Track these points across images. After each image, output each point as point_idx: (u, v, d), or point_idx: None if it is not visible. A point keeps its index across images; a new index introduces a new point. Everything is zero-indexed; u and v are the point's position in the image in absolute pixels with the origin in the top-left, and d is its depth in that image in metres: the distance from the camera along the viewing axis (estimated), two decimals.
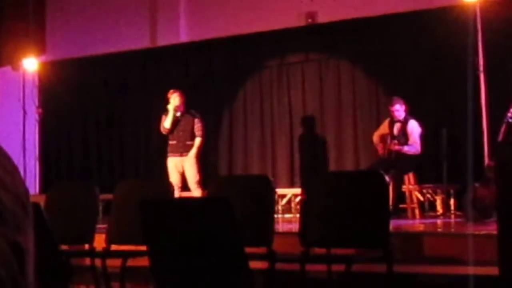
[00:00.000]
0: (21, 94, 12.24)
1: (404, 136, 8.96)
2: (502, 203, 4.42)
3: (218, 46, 11.77)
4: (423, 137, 9.07)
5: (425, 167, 9.41)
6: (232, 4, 11.77)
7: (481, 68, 8.85)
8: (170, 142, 9.44)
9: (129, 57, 12.35)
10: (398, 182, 8.71)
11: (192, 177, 9.21)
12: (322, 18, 11.12)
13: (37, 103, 12.61)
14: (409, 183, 9.07)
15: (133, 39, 12.27)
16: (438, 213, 9.14)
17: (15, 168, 0.83)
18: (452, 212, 9.06)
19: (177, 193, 9.03)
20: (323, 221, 5.12)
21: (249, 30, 11.30)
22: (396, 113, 9.05)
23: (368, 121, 10.59)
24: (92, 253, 5.89)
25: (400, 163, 8.84)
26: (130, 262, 5.68)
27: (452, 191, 9.21)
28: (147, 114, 12.20)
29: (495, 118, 8.33)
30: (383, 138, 9.23)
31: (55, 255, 5.02)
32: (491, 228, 5.76)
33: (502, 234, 4.28)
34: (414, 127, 8.98)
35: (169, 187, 6.34)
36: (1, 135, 11.84)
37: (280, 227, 7.91)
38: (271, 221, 5.26)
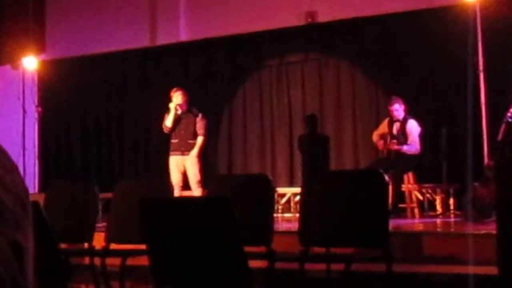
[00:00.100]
0: (21, 93, 12.23)
1: (403, 136, 8.96)
2: (502, 202, 4.42)
3: (217, 45, 11.77)
4: (423, 137, 9.07)
5: (424, 167, 9.41)
6: (232, 4, 11.77)
7: (481, 68, 8.85)
8: (172, 141, 9.39)
9: (129, 56, 12.36)
10: (398, 182, 8.72)
11: (193, 176, 9.17)
12: (322, 18, 11.12)
13: (36, 102, 12.61)
14: (409, 183, 9.07)
15: (132, 38, 12.27)
16: (438, 213, 9.15)
17: (14, 167, 0.83)
18: (452, 211, 9.06)
19: (177, 192, 9.01)
20: (323, 221, 5.12)
21: (249, 29, 11.31)
22: (395, 113, 9.05)
23: (368, 121, 10.60)
24: (91, 252, 5.88)
25: (399, 163, 8.84)
26: (130, 261, 5.68)
27: (451, 191, 9.21)
28: (146, 113, 12.21)
29: (495, 118, 8.33)
30: (382, 137, 9.24)
31: (55, 254, 5.02)
32: (491, 228, 5.77)
33: (502, 234, 4.28)
34: (413, 127, 8.98)
35: (168, 186, 6.34)
36: (1, 133, 11.83)
37: (280, 226, 7.91)
38: (271, 220, 5.25)
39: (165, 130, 9.40)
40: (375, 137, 9.41)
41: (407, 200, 9.11)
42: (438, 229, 7.94)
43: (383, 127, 9.27)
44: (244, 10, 11.58)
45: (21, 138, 12.01)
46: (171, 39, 12.15)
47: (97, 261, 5.77)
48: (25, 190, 0.83)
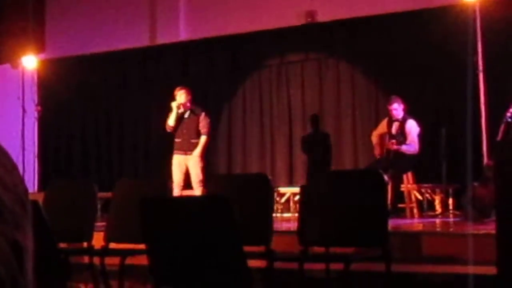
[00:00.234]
0: (20, 92, 12.23)
1: (402, 135, 8.96)
2: (501, 202, 4.42)
3: (217, 45, 11.78)
4: (422, 137, 9.07)
5: (424, 167, 9.41)
6: (232, 3, 11.77)
7: (481, 68, 8.86)
8: (176, 140, 9.35)
9: (129, 56, 12.36)
10: (397, 182, 8.72)
11: (195, 176, 9.14)
12: (321, 17, 11.13)
13: (36, 101, 12.61)
14: (408, 183, 9.07)
15: (132, 37, 12.28)
16: (437, 213, 9.15)
17: (14, 166, 0.83)
18: (451, 211, 9.06)
19: (178, 192, 9.00)
20: (322, 220, 5.12)
21: (249, 29, 11.31)
22: (394, 112, 9.05)
23: (367, 120, 10.60)
24: (90, 251, 5.88)
25: (398, 163, 8.83)
26: (129, 261, 5.68)
27: (451, 191, 9.21)
28: (146, 112, 12.22)
29: (494, 118, 8.33)
30: (381, 137, 9.24)
31: (54, 253, 5.02)
32: (490, 228, 5.77)
33: (501, 234, 4.28)
34: (412, 127, 8.98)
35: (168, 185, 6.33)
36: (0, 132, 11.84)
37: (279, 226, 7.91)
38: (270, 220, 5.25)
39: (168, 129, 9.37)
40: (374, 137, 9.41)
41: (407, 200, 9.10)
42: (437, 229, 7.94)
43: (382, 127, 9.28)
44: (244, 10, 11.59)
45: (20, 137, 12.01)
46: (171, 38, 12.15)
47: (96, 260, 5.76)
48: (25, 189, 0.83)
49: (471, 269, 5.17)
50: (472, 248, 5.45)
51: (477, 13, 8.95)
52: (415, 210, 9.03)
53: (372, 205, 4.98)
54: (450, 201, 9.18)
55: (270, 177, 5.65)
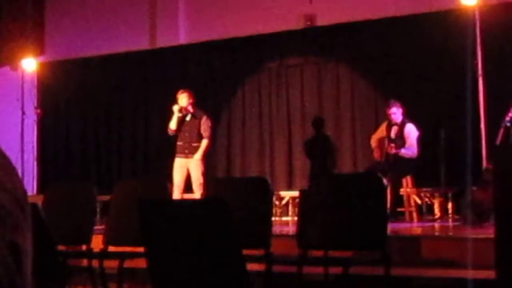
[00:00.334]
0: (20, 94, 12.23)
1: (401, 139, 8.96)
2: (500, 206, 4.42)
3: (217, 48, 11.78)
4: (421, 140, 9.07)
5: (423, 170, 9.40)
6: (231, 6, 11.78)
7: (480, 72, 8.86)
8: (178, 143, 9.35)
9: (128, 58, 12.36)
10: (396, 185, 8.72)
11: (196, 179, 9.12)
12: (321, 21, 11.13)
13: (35, 103, 12.61)
14: (407, 186, 9.07)
15: (132, 40, 12.28)
16: (436, 217, 9.15)
17: (13, 168, 0.83)
18: (450, 215, 9.06)
19: (178, 195, 8.99)
20: (321, 224, 5.12)
21: (248, 32, 11.32)
22: (393, 116, 9.07)
23: (366, 124, 10.60)
24: (89, 254, 5.88)
25: (398, 166, 8.84)
26: (128, 264, 5.68)
27: (450, 195, 9.21)
28: (145, 115, 12.21)
29: (494, 122, 8.34)
30: (380, 141, 9.24)
31: (53, 256, 5.02)
32: (489, 232, 5.76)
33: (500, 237, 4.28)
34: (411, 130, 8.99)
35: (167, 188, 6.32)
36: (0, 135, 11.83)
37: (278, 229, 7.91)
38: (269, 223, 5.25)
39: (170, 133, 9.36)
40: (373, 140, 9.42)
41: (406, 203, 9.10)
42: (436, 233, 7.95)
43: (381, 131, 9.29)
44: (244, 13, 11.59)
45: (20, 140, 12.01)
46: (170, 41, 12.15)
47: (95, 263, 5.76)
48: (24, 191, 0.83)
49: (470, 273, 5.17)
50: (471, 252, 5.45)
51: (477, 17, 8.95)
52: (414, 214, 9.03)
53: (371, 209, 4.97)
54: (449, 205, 9.18)
55: (269, 180, 5.65)
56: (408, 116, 9.15)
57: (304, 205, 5.45)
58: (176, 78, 11.71)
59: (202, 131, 9.24)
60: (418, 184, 9.20)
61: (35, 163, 12.59)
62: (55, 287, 5.05)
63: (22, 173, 11.41)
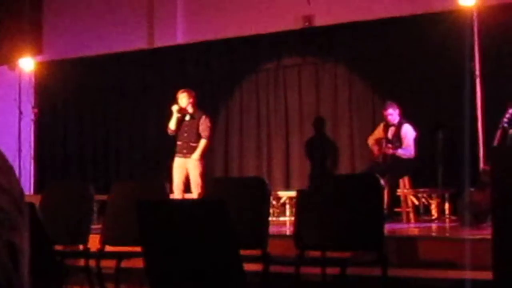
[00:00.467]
0: (17, 94, 12.21)
1: (398, 140, 8.97)
2: (497, 207, 4.42)
3: (215, 48, 11.77)
4: (419, 141, 9.08)
5: (420, 171, 9.41)
6: (229, 7, 11.77)
7: (478, 73, 8.86)
8: (177, 143, 9.34)
9: (126, 58, 12.35)
10: (393, 186, 8.72)
11: (194, 179, 9.12)
12: (319, 21, 11.13)
13: (33, 103, 12.59)
14: (404, 187, 9.08)
15: (130, 40, 12.27)
16: (433, 217, 9.15)
17: (10, 168, 0.83)
18: (447, 216, 9.06)
19: (178, 195, 8.99)
20: (318, 224, 5.12)
21: (246, 32, 11.32)
22: (389, 117, 9.08)
23: (364, 125, 10.60)
24: (86, 254, 5.88)
25: (395, 167, 8.84)
26: (125, 263, 5.67)
27: (447, 195, 9.21)
28: (143, 115, 12.20)
29: (491, 123, 8.34)
30: (378, 142, 9.25)
31: (50, 256, 5.01)
32: (486, 233, 5.77)
33: (497, 239, 4.28)
34: (408, 131, 9.00)
35: (165, 188, 6.32)
36: None
37: (275, 229, 7.91)
38: (266, 223, 5.25)
39: (169, 133, 9.35)
40: (370, 141, 9.43)
41: (403, 204, 9.11)
42: (433, 234, 7.94)
43: (379, 132, 9.29)
44: (242, 14, 11.59)
45: (17, 140, 11.99)
46: (168, 41, 12.15)
47: (92, 263, 5.76)
48: (21, 192, 0.83)
49: (467, 274, 5.18)
50: (468, 253, 5.45)
51: (475, 18, 8.95)
52: (411, 215, 9.03)
53: (368, 209, 4.98)
54: (446, 205, 9.18)
55: (266, 180, 5.65)
56: (406, 117, 9.16)
57: (301, 206, 5.45)
58: (174, 78, 11.70)
59: (200, 131, 9.23)
60: (415, 184, 9.20)
61: (32, 162, 12.57)
62: (52, 286, 5.05)
63: (19, 173, 11.40)
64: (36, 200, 6.13)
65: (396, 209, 9.00)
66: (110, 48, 12.27)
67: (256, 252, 4.99)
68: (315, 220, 5.14)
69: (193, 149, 9.17)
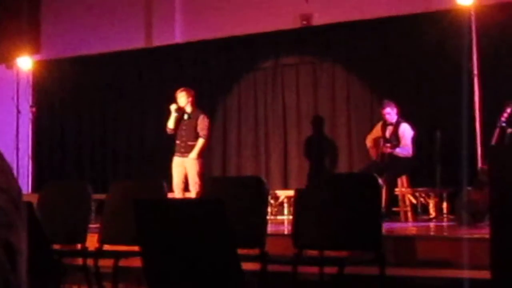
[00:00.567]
0: (15, 93, 12.21)
1: (396, 139, 8.98)
2: (495, 206, 4.42)
3: (212, 47, 11.77)
4: (417, 140, 9.08)
5: (418, 170, 9.42)
6: (227, 5, 11.77)
7: (476, 72, 8.87)
8: (176, 142, 9.34)
9: (124, 57, 12.35)
10: (391, 185, 8.73)
11: (192, 178, 9.11)
12: (317, 20, 11.13)
13: (30, 102, 12.59)
14: (402, 186, 9.08)
15: (128, 39, 12.27)
16: (431, 217, 9.15)
17: (9, 168, 0.83)
18: (445, 215, 9.07)
19: (178, 193, 8.99)
20: (316, 223, 5.12)
21: (244, 31, 11.31)
22: (387, 116, 9.09)
23: (362, 124, 10.60)
24: (84, 253, 5.87)
25: (393, 166, 8.85)
26: (123, 262, 5.67)
27: (445, 195, 9.22)
28: (141, 114, 12.20)
29: (489, 122, 8.35)
30: (376, 141, 9.26)
31: (48, 255, 5.01)
32: (484, 232, 5.77)
33: (495, 238, 4.28)
34: (405, 130, 9.01)
35: (162, 187, 6.31)
36: None
37: (273, 229, 7.90)
38: (264, 222, 5.25)
39: (168, 132, 9.34)
40: (368, 140, 9.44)
41: (401, 203, 9.12)
42: (431, 233, 7.95)
43: (377, 131, 9.30)
44: (239, 12, 11.59)
45: (15, 138, 11.99)
46: (166, 40, 12.14)
47: (90, 262, 5.75)
48: (19, 191, 0.83)
49: (465, 273, 5.18)
50: (466, 252, 5.45)
51: (472, 17, 8.96)
52: (409, 214, 9.04)
53: (366, 209, 4.98)
54: (444, 205, 9.19)
55: (264, 179, 5.64)
56: (404, 116, 9.16)
57: (299, 205, 5.44)
58: (172, 77, 11.70)
59: (198, 130, 9.22)
60: (413, 184, 9.21)
61: (30, 161, 12.57)
62: (50, 286, 5.05)
63: (17, 172, 11.40)
64: (34, 199, 6.13)
65: (394, 208, 9.00)
66: (108, 47, 12.27)
67: (254, 251, 4.99)
68: (313, 219, 5.14)
69: (191, 148, 9.16)
